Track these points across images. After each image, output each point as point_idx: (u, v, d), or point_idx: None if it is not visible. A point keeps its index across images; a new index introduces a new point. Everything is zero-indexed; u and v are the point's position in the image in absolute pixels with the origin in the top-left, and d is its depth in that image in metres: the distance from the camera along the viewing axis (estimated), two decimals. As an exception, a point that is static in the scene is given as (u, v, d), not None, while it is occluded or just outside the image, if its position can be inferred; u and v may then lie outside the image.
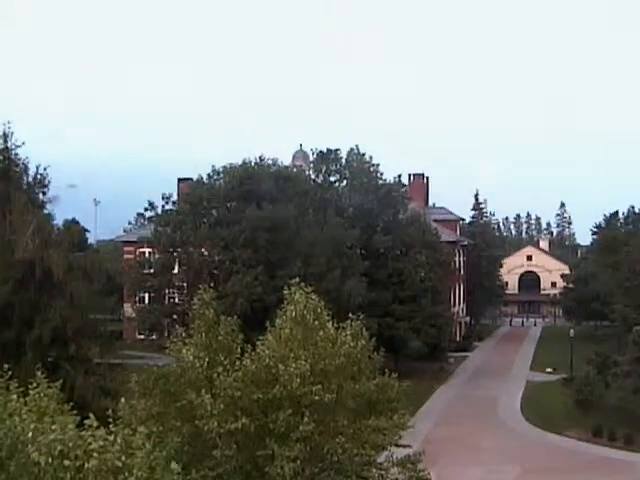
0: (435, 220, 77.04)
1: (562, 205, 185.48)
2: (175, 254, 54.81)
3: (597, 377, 50.00)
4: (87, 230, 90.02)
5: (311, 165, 70.56)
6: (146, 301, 58.23)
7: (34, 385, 12.58)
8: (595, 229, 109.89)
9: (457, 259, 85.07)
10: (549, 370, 65.34)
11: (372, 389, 20.62)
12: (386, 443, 20.79)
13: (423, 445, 28.12)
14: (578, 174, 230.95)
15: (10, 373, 13.37)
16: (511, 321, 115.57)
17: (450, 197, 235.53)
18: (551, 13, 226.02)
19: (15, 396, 12.29)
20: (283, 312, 19.62)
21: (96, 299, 38.92)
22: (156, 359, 21.72)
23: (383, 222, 65.24)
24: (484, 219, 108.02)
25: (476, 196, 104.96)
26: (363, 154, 69.75)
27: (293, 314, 19.13)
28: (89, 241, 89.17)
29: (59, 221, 44.90)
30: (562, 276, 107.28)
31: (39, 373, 12.87)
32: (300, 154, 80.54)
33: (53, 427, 10.87)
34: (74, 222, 76.88)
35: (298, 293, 19.32)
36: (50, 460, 10.47)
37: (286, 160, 68.81)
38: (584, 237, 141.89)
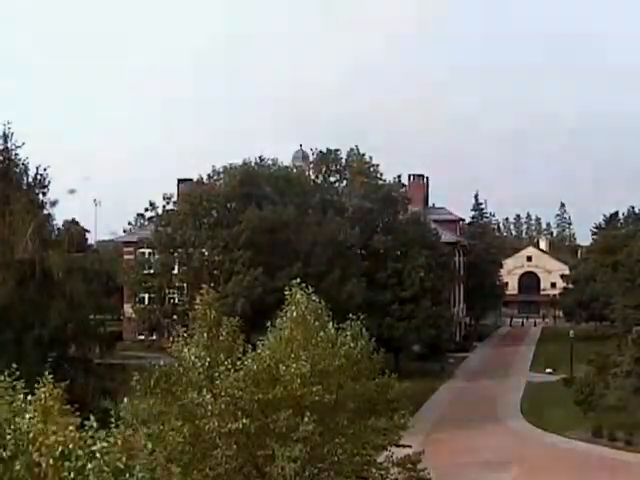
0: (435, 220, 77.02)
1: (562, 205, 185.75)
2: (175, 254, 54.83)
3: (597, 377, 49.96)
4: (87, 230, 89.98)
5: (311, 165, 70.64)
6: (146, 301, 58.20)
7: (40, 385, 12.59)
8: (595, 229, 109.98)
9: (457, 259, 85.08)
10: (549, 370, 65.27)
11: (372, 389, 20.65)
12: (386, 443, 20.85)
13: (423, 445, 28.13)
14: (578, 174, 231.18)
15: (17, 373, 13.38)
16: (511, 321, 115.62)
17: (450, 197, 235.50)
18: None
19: (22, 396, 12.32)
20: (284, 312, 19.65)
21: (96, 299, 39.00)
22: (156, 359, 21.72)
23: (383, 222, 65.27)
24: (484, 220, 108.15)
25: (476, 197, 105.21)
26: (363, 154, 69.92)
27: (294, 314, 19.17)
28: (89, 241, 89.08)
29: (59, 221, 45.01)
30: (562, 276, 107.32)
31: (46, 373, 12.88)
32: (300, 154, 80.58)
33: (54, 428, 10.89)
34: (74, 222, 76.88)
35: (299, 294, 19.35)
36: (52, 461, 10.49)
37: (286, 160, 68.85)
38: (584, 237, 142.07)
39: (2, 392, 12.49)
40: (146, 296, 58.20)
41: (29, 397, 12.41)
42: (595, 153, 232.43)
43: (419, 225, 66.79)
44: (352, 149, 70.31)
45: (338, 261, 54.41)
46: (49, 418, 11.47)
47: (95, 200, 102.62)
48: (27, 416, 11.53)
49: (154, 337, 54.91)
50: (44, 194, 37.50)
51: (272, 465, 17.51)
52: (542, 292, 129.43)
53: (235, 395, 17.51)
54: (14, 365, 13.52)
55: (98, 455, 10.40)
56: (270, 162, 58.40)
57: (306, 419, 17.69)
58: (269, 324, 20.30)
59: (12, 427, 11.15)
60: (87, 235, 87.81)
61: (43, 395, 12.24)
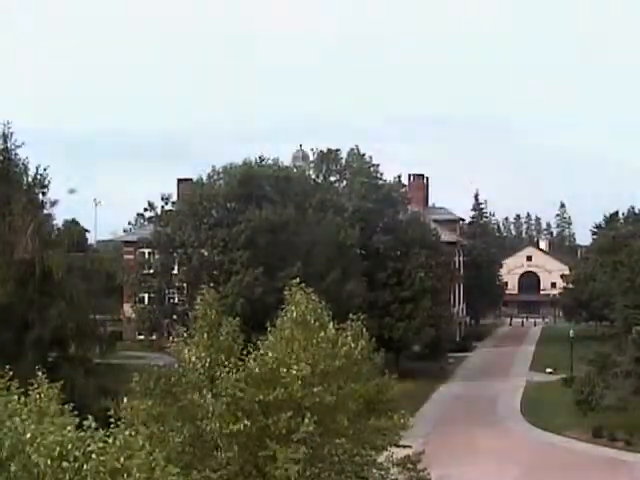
0: (435, 220, 77.10)
1: (562, 205, 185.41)
2: (175, 254, 54.88)
3: (597, 377, 49.97)
4: (87, 230, 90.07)
5: (311, 165, 70.65)
6: (146, 301, 58.25)
7: (35, 386, 12.56)
8: (595, 229, 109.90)
9: (457, 259, 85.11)
10: (549, 370, 65.25)
11: (372, 390, 20.63)
12: (386, 444, 20.83)
13: (423, 445, 28.13)
14: (578, 174, 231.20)
15: (10, 373, 13.35)
16: (511, 321, 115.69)
17: (450, 197, 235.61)
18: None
19: (16, 397, 12.28)
20: (284, 313, 19.59)
21: (96, 299, 38.97)
22: (156, 359, 21.72)
23: (383, 222, 65.30)
24: (484, 219, 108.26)
25: (476, 196, 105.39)
26: (363, 154, 69.91)
27: (294, 315, 19.12)
28: (89, 241, 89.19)
29: (59, 221, 45.05)
30: (562, 276, 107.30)
31: (40, 373, 12.85)
32: (300, 154, 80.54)
33: (52, 429, 10.86)
34: (74, 222, 76.93)
35: (299, 294, 19.30)
36: (49, 462, 10.46)
37: (286, 160, 68.82)
38: (584, 237, 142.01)
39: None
40: (146, 296, 58.29)
41: (24, 398, 12.38)
42: (595, 152, 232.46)
43: (419, 225, 66.82)
44: (352, 149, 70.30)
45: (338, 261, 54.42)
46: (45, 418, 11.45)
47: (95, 200, 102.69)
48: (19, 417, 11.50)
49: (154, 337, 54.97)
50: (44, 194, 37.47)
51: (273, 466, 17.48)
52: (542, 292, 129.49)
53: (236, 396, 17.48)
54: (14, 365, 13.52)
55: (95, 455, 10.37)
56: (270, 162, 58.38)
57: (307, 420, 17.66)
58: (269, 324, 20.24)
59: (7, 428, 11.12)
60: (87, 235, 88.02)
61: (38, 396, 12.21)
